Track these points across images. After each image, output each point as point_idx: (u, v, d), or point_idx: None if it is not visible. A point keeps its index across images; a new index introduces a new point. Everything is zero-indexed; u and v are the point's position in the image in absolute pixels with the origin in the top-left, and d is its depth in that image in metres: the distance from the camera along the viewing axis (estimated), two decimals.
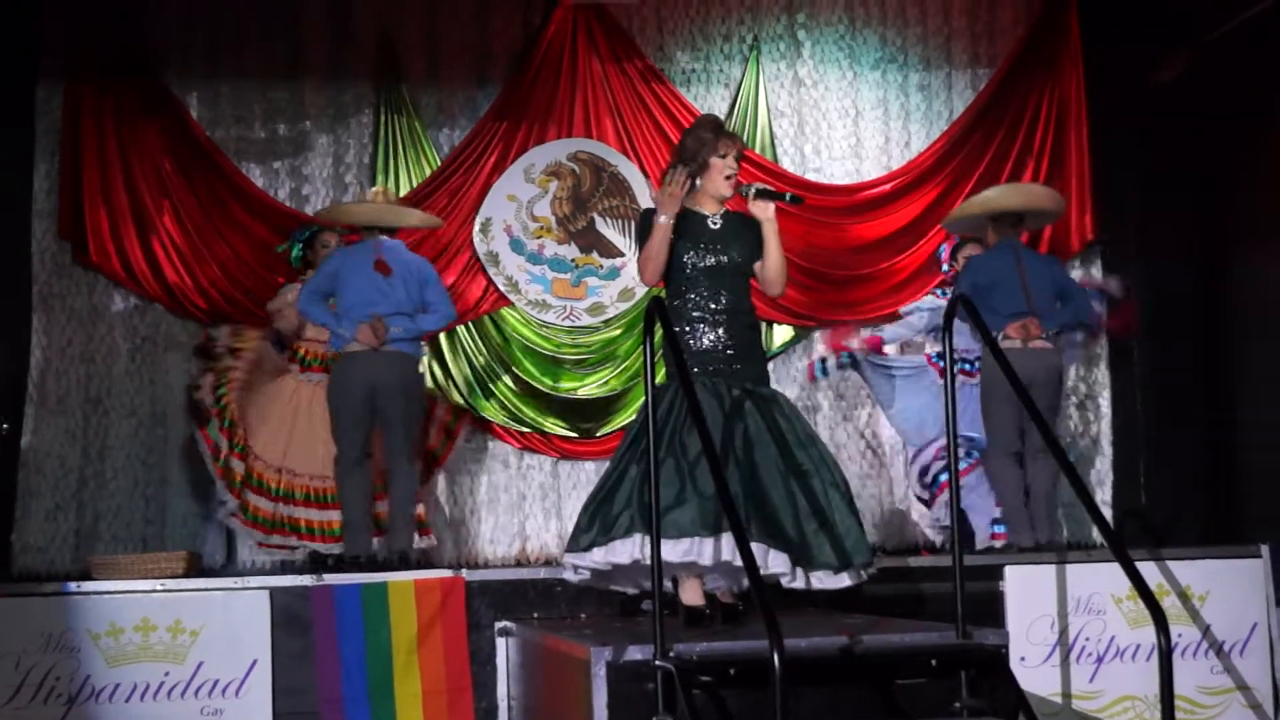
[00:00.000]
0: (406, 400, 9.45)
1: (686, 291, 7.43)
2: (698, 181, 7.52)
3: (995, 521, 10.42)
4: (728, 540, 6.84)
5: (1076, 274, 11.79)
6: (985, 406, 9.85)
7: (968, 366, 10.47)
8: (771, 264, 7.54)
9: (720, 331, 7.39)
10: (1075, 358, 11.42)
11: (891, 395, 10.90)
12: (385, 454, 9.61)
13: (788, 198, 7.56)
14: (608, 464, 7.53)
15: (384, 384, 9.34)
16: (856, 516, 7.26)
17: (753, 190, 7.48)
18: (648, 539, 6.74)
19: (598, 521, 7.14)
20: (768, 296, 10.69)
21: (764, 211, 7.44)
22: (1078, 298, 10.11)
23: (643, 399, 7.11)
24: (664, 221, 7.32)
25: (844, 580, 7.11)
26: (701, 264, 7.41)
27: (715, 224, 7.51)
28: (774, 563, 6.91)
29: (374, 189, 10.24)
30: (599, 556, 7.10)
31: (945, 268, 11.09)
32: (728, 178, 7.49)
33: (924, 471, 10.90)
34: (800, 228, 11.62)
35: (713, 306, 7.41)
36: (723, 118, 11.80)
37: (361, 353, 9.32)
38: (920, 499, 11.01)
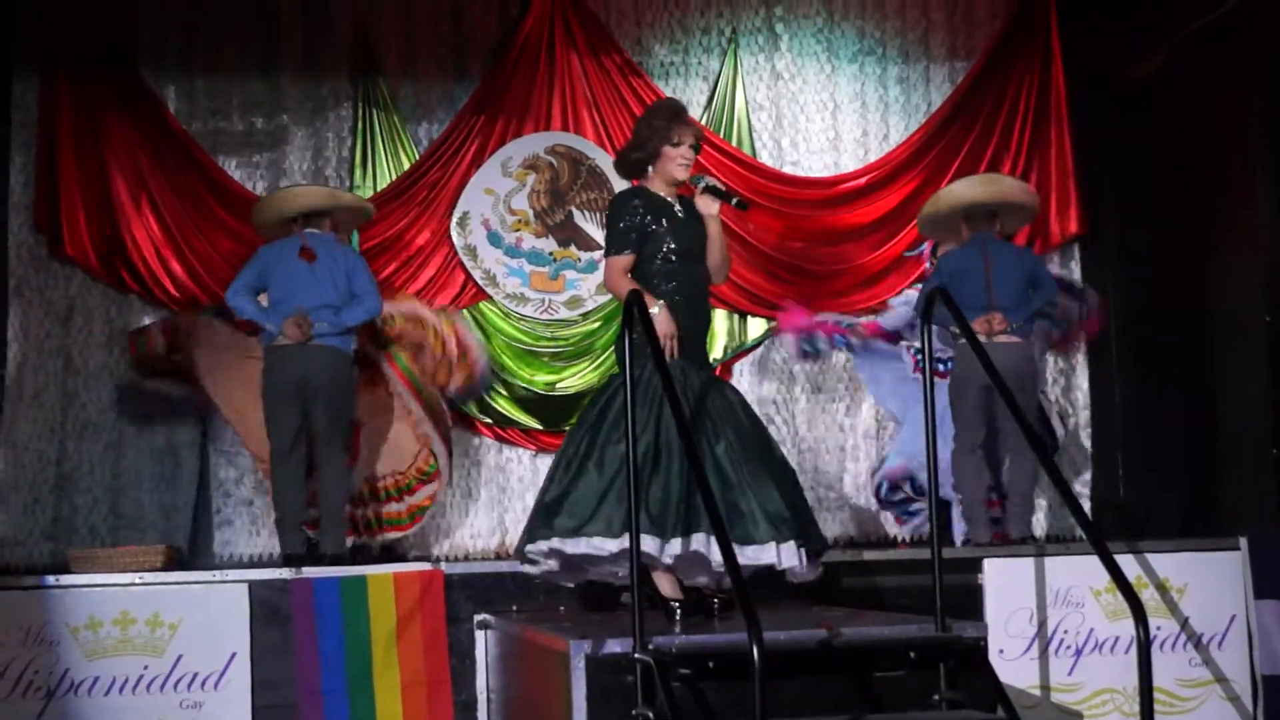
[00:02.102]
0: (335, 396, 9.43)
1: (657, 278, 7.41)
2: (650, 169, 7.52)
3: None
4: (697, 540, 6.86)
5: (1054, 264, 11.85)
6: (953, 399, 9.89)
7: (941, 366, 10.47)
8: (714, 257, 7.57)
9: (698, 318, 7.41)
10: (1044, 349, 11.38)
11: (884, 380, 10.89)
12: (317, 452, 9.57)
13: (734, 201, 7.52)
14: (561, 451, 7.50)
15: (313, 380, 9.34)
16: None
17: (702, 184, 7.47)
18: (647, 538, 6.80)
19: (561, 514, 7.12)
20: (742, 288, 10.80)
21: (709, 207, 7.44)
22: (1047, 286, 10.14)
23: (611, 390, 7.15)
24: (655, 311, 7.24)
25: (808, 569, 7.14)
26: (672, 252, 7.40)
27: (680, 213, 7.51)
28: (785, 557, 6.95)
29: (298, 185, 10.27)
30: (570, 548, 7.09)
31: (929, 265, 11.07)
32: (682, 164, 7.47)
33: (883, 486, 10.97)
34: (777, 220, 11.65)
35: (692, 293, 7.42)
36: (701, 111, 11.85)
37: (290, 346, 9.32)
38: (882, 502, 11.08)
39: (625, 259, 7.41)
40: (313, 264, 9.43)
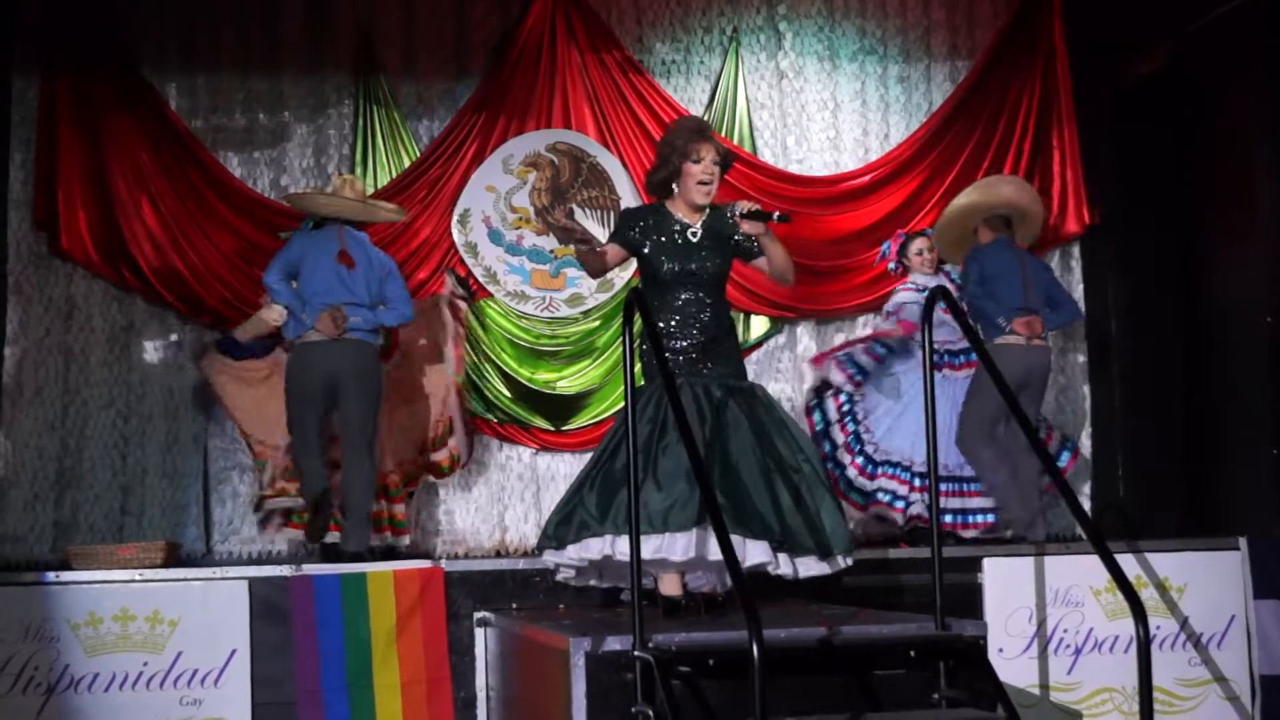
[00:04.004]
0: (364, 389, 9.43)
1: (663, 298, 7.46)
2: (674, 187, 7.55)
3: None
4: (697, 534, 6.89)
5: (1055, 262, 11.93)
6: (976, 391, 9.88)
7: (959, 359, 10.50)
8: (777, 265, 7.62)
9: (694, 337, 7.43)
10: None
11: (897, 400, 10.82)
12: (341, 447, 9.59)
13: (775, 217, 7.50)
14: (588, 459, 7.59)
15: (342, 373, 9.34)
16: (836, 504, 7.32)
17: (738, 211, 7.45)
18: (619, 538, 6.84)
19: (570, 519, 7.18)
20: (745, 288, 10.80)
21: (753, 229, 7.44)
22: (1068, 306, 10.28)
23: (620, 391, 7.15)
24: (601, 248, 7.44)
25: (827, 567, 7.16)
26: (678, 273, 7.44)
27: (694, 235, 7.52)
28: (753, 552, 6.95)
29: (340, 178, 10.23)
30: (573, 553, 7.16)
31: (892, 266, 11.06)
32: (701, 183, 7.49)
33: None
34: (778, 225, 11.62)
35: (689, 313, 7.44)
36: (702, 109, 11.84)
37: (319, 341, 9.33)
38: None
39: (611, 247, 7.64)
40: (352, 269, 9.46)
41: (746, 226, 7.43)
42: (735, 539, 6.88)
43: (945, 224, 10.65)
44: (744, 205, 7.47)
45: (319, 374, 9.33)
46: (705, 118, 11.74)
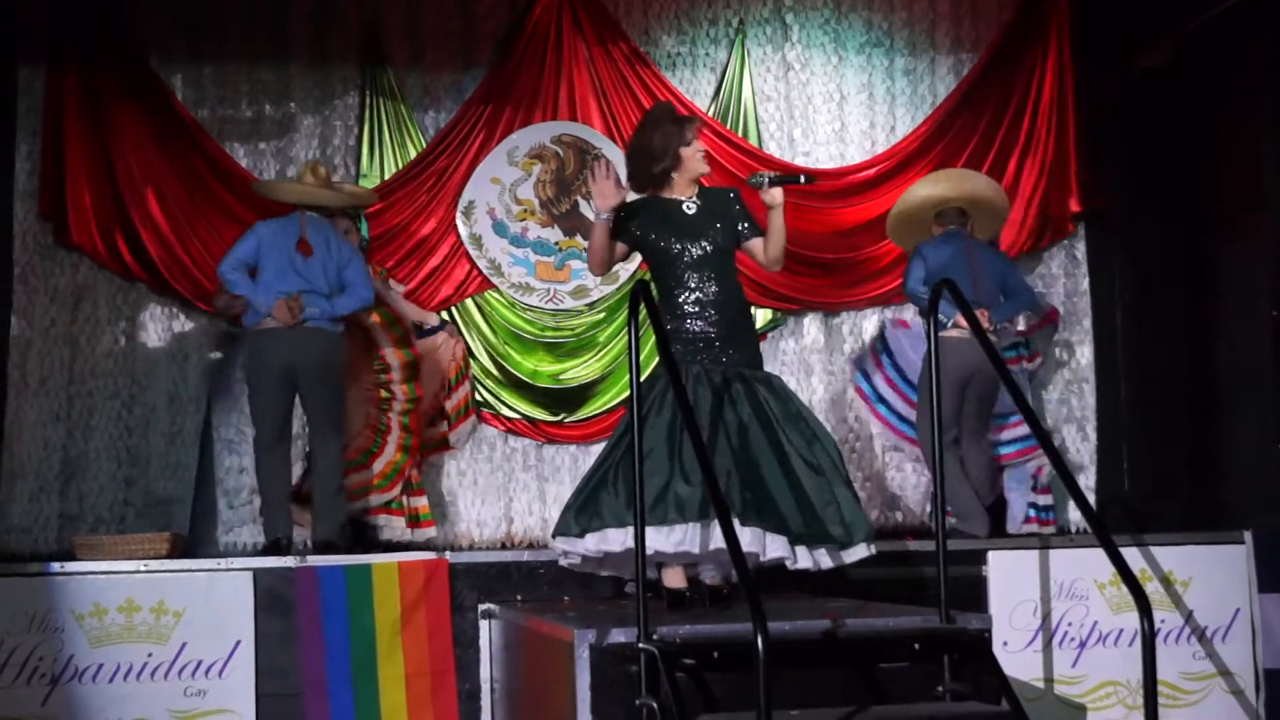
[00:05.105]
0: (326, 379, 9.45)
1: (675, 283, 7.47)
2: (673, 175, 7.57)
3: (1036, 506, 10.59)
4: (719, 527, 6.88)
5: (1060, 256, 11.94)
6: (925, 396, 9.84)
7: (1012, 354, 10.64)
8: (774, 245, 7.64)
9: (712, 318, 7.43)
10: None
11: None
12: (308, 435, 9.60)
13: (802, 179, 7.57)
14: (601, 447, 7.59)
15: (302, 362, 9.35)
16: (853, 492, 7.33)
17: (766, 180, 7.49)
18: (654, 529, 6.82)
19: (591, 507, 7.16)
20: (751, 280, 10.78)
21: (775, 199, 7.48)
22: (1022, 293, 10.31)
23: (625, 381, 7.15)
24: (602, 220, 7.48)
25: (853, 554, 7.17)
26: (685, 254, 7.45)
27: (690, 209, 7.54)
28: (772, 547, 6.97)
29: (305, 165, 10.24)
30: (591, 543, 7.14)
31: None
32: (700, 158, 7.62)
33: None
34: (785, 212, 11.59)
35: (702, 295, 7.45)
36: (708, 102, 11.85)
37: (278, 329, 9.33)
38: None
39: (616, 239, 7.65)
40: (309, 257, 9.47)
41: (767, 196, 7.47)
42: (755, 532, 6.92)
43: (907, 217, 10.62)
44: (769, 175, 7.53)
45: (278, 362, 9.33)
46: (711, 110, 11.83)
